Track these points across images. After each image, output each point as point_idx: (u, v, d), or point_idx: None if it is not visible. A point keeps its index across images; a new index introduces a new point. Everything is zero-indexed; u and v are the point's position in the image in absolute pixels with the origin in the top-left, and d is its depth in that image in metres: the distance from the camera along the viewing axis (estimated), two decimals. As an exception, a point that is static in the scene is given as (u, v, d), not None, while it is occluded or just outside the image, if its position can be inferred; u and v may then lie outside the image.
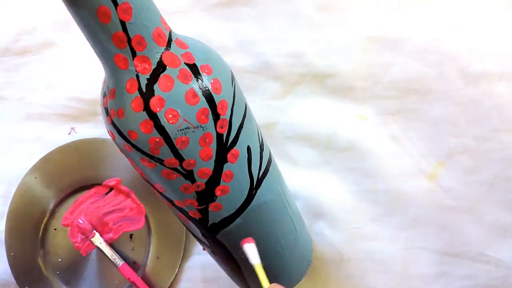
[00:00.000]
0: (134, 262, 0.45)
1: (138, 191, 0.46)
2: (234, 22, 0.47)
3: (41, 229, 0.46)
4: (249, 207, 0.29)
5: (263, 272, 0.25)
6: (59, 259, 0.46)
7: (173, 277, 0.45)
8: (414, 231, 0.41)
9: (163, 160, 0.25)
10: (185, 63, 0.24)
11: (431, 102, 0.42)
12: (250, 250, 0.27)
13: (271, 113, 0.46)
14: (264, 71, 0.46)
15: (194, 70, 0.24)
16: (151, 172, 0.26)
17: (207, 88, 0.24)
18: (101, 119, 0.48)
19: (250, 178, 0.28)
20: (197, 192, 0.27)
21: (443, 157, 0.41)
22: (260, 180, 0.29)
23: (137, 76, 0.23)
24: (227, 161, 0.26)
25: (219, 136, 0.25)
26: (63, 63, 0.48)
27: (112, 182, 0.46)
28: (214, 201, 0.27)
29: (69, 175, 0.46)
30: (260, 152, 0.29)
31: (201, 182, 0.26)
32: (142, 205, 0.46)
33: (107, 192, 0.46)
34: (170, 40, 0.24)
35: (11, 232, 0.45)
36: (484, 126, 0.40)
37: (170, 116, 0.23)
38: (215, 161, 0.26)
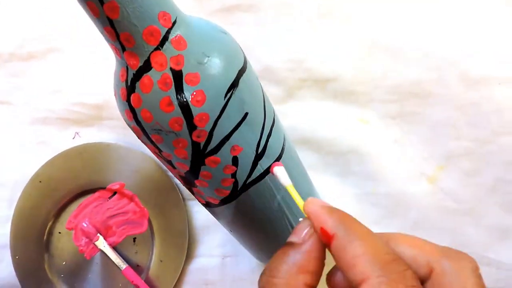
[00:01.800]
0: (138, 265, 0.46)
1: (142, 195, 0.46)
2: (235, 27, 0.48)
3: (46, 232, 0.46)
4: (232, 202, 0.29)
5: (296, 192, 0.24)
6: (64, 262, 0.46)
7: (176, 279, 0.45)
8: (416, 233, 0.41)
9: (146, 144, 0.26)
10: (170, 67, 0.23)
11: (432, 106, 0.42)
12: (280, 172, 0.26)
13: (273, 117, 0.46)
14: (266, 75, 0.46)
15: (177, 77, 0.23)
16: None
17: (185, 100, 0.23)
18: (105, 124, 0.48)
19: (234, 183, 0.28)
20: (180, 176, 0.28)
21: (444, 159, 0.42)
22: (247, 186, 0.28)
23: (127, 68, 0.23)
24: (205, 165, 0.26)
25: (194, 143, 0.25)
26: (67, 68, 0.49)
27: (115, 186, 0.46)
28: (196, 187, 0.29)
29: (74, 179, 0.46)
30: (253, 161, 0.27)
31: (180, 171, 0.27)
32: (145, 208, 0.46)
33: (111, 196, 0.47)
34: (165, 39, 0.23)
35: (16, 235, 0.46)
36: (484, 129, 0.41)
37: (145, 115, 0.24)
38: (191, 162, 0.26)
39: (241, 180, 0.28)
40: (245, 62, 0.26)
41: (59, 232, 0.47)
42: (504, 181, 0.40)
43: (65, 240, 0.47)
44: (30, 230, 0.46)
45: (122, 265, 0.45)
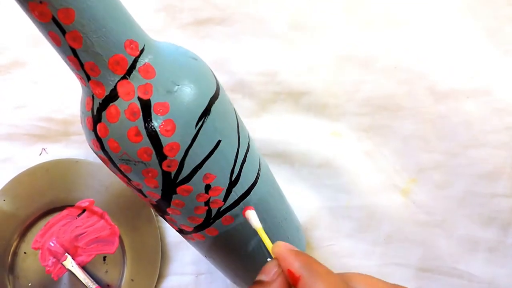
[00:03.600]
0: (108, 285, 0.44)
1: (112, 212, 0.45)
2: (208, 40, 0.48)
3: (11, 252, 0.44)
4: (204, 229, 0.29)
5: (265, 235, 0.25)
6: (29, 284, 0.44)
7: (148, 299, 0.44)
8: (389, 246, 0.41)
9: (115, 172, 0.26)
10: (138, 97, 0.22)
11: (402, 119, 0.43)
12: (252, 216, 0.27)
13: (247, 131, 0.46)
14: (239, 89, 0.46)
15: (145, 107, 0.22)
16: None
17: (153, 130, 0.22)
18: (73, 139, 0.47)
19: (207, 211, 0.27)
20: (151, 204, 0.27)
21: (415, 172, 0.42)
22: (221, 213, 0.28)
23: (93, 97, 0.23)
24: (176, 193, 0.25)
25: (165, 173, 0.24)
26: (33, 82, 0.47)
27: (85, 204, 0.45)
28: (169, 215, 0.28)
29: (40, 197, 0.45)
30: (227, 188, 0.27)
31: (151, 200, 0.26)
32: (116, 226, 0.45)
33: (80, 214, 0.45)
34: (132, 68, 0.22)
35: (-21, 257, 0.44)
36: (453, 141, 0.41)
37: (112, 145, 0.23)
38: (162, 191, 0.25)
39: (214, 210, 0.27)
40: (218, 88, 0.26)
41: (25, 252, 0.45)
42: (473, 194, 0.40)
43: (31, 260, 0.45)
44: (-7, 251, 0.44)
45: (92, 285, 0.43)
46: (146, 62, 0.22)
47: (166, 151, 0.23)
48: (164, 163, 0.23)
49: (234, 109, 0.28)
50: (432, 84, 0.42)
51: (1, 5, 0.48)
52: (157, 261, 0.44)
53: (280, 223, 0.34)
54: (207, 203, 0.26)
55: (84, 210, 0.45)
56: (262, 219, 0.30)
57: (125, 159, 0.23)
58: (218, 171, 0.26)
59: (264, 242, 0.25)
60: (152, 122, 0.22)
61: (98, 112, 0.23)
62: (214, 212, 0.27)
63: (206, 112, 0.24)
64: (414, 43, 0.44)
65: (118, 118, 0.22)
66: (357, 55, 0.44)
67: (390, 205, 0.42)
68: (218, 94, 0.25)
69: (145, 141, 0.22)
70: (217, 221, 0.28)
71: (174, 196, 0.25)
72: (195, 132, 0.23)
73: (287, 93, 0.46)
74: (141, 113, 0.22)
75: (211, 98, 0.24)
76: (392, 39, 0.44)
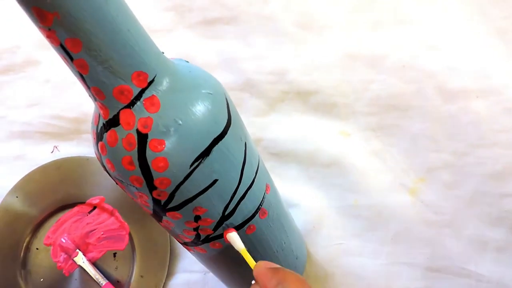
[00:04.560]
0: (118, 281, 0.45)
1: (122, 209, 0.45)
2: (217, 40, 0.48)
3: (23, 248, 0.45)
4: (194, 247, 0.29)
5: (249, 256, 0.25)
6: (41, 279, 0.45)
7: (157, 295, 0.44)
8: (396, 246, 0.41)
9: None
10: (137, 129, 0.22)
11: (411, 118, 0.43)
12: (234, 237, 0.27)
13: (256, 130, 0.46)
14: (248, 88, 0.46)
15: (142, 141, 0.22)
16: None
17: (146, 164, 0.22)
18: (84, 137, 0.48)
19: (196, 235, 0.27)
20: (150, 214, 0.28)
21: (424, 172, 0.42)
22: (209, 239, 0.27)
23: (99, 115, 0.23)
24: (166, 216, 0.25)
25: (155, 199, 0.24)
26: (46, 81, 0.48)
27: (95, 201, 0.46)
28: (163, 223, 0.28)
29: (51, 194, 0.46)
30: (218, 221, 0.26)
31: (147, 210, 0.27)
32: (125, 223, 0.45)
33: (91, 211, 0.46)
34: (137, 99, 0.22)
35: (-8, 252, 0.45)
36: (462, 141, 0.41)
37: (108, 165, 0.23)
38: (153, 211, 0.25)
39: (203, 235, 0.27)
40: (228, 125, 0.24)
41: (37, 248, 0.46)
42: (482, 193, 0.40)
43: (42, 256, 0.46)
44: (6, 246, 0.45)
45: (102, 281, 0.44)
46: (152, 94, 0.22)
47: (156, 183, 0.23)
48: (154, 192, 0.23)
49: (246, 144, 0.27)
50: (441, 83, 0.42)
51: (15, 5, 0.49)
52: (166, 258, 0.44)
53: (276, 253, 0.33)
54: (196, 229, 0.26)
55: (95, 207, 0.46)
56: (253, 248, 0.30)
57: (119, 179, 0.24)
58: (210, 206, 0.25)
59: (248, 263, 0.25)
60: (145, 157, 0.22)
61: (101, 131, 0.23)
62: (202, 237, 0.27)
63: (204, 154, 0.23)
64: (423, 42, 0.43)
65: (116, 144, 0.22)
66: (366, 55, 0.44)
67: (398, 204, 0.42)
68: (226, 133, 0.24)
69: (137, 171, 0.22)
70: (205, 244, 0.28)
71: (164, 217, 0.26)
72: (188, 171, 0.23)
73: (295, 92, 0.46)
74: (136, 145, 0.22)
75: (214, 139, 0.23)
76: (401, 38, 0.44)
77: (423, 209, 0.41)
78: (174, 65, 0.24)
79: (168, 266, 0.44)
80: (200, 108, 0.23)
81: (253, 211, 0.28)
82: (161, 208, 0.25)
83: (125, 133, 0.22)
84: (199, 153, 0.23)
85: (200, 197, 0.24)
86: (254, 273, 0.23)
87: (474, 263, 0.39)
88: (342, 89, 0.45)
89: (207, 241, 0.28)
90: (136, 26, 0.21)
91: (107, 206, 0.46)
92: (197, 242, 0.28)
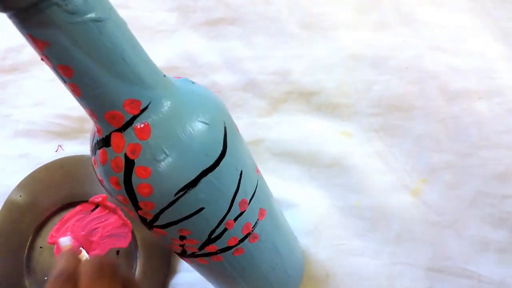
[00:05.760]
0: (121, 280, 0.45)
1: (125, 208, 0.46)
2: (220, 40, 0.48)
3: (27, 247, 0.45)
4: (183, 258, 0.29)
5: None
6: (45, 278, 0.45)
7: (160, 294, 0.44)
8: (398, 246, 0.41)
9: None
10: (125, 153, 0.22)
11: (413, 119, 0.43)
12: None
13: (258, 130, 0.46)
14: (251, 88, 0.47)
15: (128, 165, 0.22)
16: None
17: (131, 187, 0.23)
18: (88, 137, 0.48)
19: (182, 250, 0.27)
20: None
21: (426, 172, 0.42)
22: (196, 255, 0.28)
23: (95, 132, 0.24)
24: (153, 231, 0.26)
25: (141, 217, 0.24)
26: (51, 80, 0.48)
27: (98, 199, 0.46)
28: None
29: (55, 192, 0.46)
30: (203, 243, 0.26)
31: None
32: (128, 221, 0.46)
33: (93, 209, 0.46)
34: (129, 124, 0.22)
35: (-4, 250, 0.45)
36: (465, 142, 0.41)
37: (99, 178, 0.24)
38: (142, 223, 0.26)
39: (189, 251, 0.27)
40: (221, 157, 0.24)
41: (41, 247, 0.46)
42: (484, 194, 0.40)
43: (46, 254, 0.46)
44: (10, 245, 0.45)
45: (105, 279, 0.44)
46: (144, 122, 0.22)
47: (141, 205, 0.23)
48: (140, 211, 0.24)
49: (242, 172, 0.26)
50: (444, 84, 0.42)
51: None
52: (169, 257, 0.45)
53: (265, 272, 0.33)
54: (182, 246, 0.27)
55: (97, 205, 0.46)
56: (240, 268, 0.30)
57: (109, 192, 0.24)
58: (195, 230, 0.25)
59: None
60: (131, 181, 0.22)
61: (95, 147, 0.23)
62: (189, 253, 0.28)
63: (191, 185, 0.23)
64: (426, 43, 0.44)
65: (106, 163, 0.23)
66: (369, 55, 0.45)
67: (401, 205, 0.42)
68: (218, 164, 0.24)
69: (123, 192, 0.23)
70: (192, 259, 0.28)
71: (151, 230, 0.26)
72: (173, 199, 0.23)
73: (298, 93, 0.46)
74: (123, 169, 0.22)
75: (202, 172, 0.23)
76: (404, 39, 0.44)
77: (425, 209, 0.41)
78: (174, 88, 0.23)
79: (171, 265, 0.45)
80: (192, 140, 0.23)
81: (242, 237, 0.28)
82: (147, 225, 0.25)
83: (114, 155, 0.22)
84: (184, 184, 0.23)
85: (185, 221, 0.24)
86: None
87: (476, 264, 0.39)
88: (345, 90, 0.45)
89: (194, 256, 0.28)
90: (134, 52, 0.21)
91: (109, 204, 0.46)
92: (184, 256, 0.28)
